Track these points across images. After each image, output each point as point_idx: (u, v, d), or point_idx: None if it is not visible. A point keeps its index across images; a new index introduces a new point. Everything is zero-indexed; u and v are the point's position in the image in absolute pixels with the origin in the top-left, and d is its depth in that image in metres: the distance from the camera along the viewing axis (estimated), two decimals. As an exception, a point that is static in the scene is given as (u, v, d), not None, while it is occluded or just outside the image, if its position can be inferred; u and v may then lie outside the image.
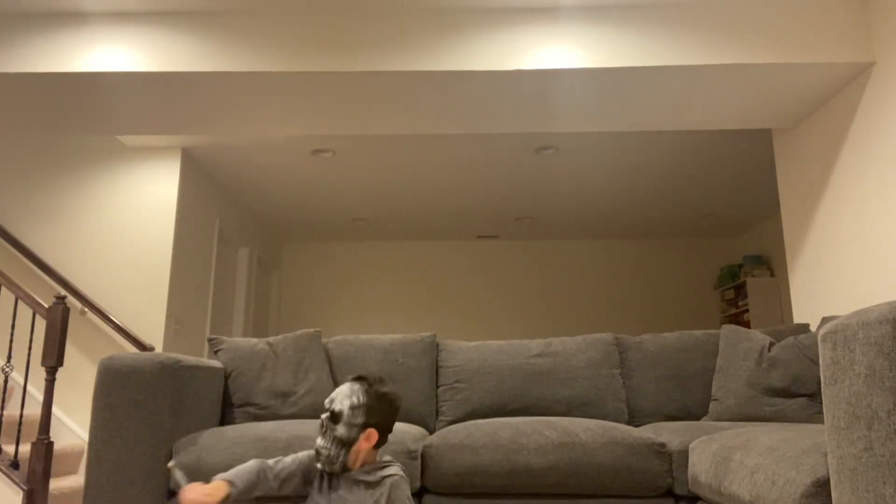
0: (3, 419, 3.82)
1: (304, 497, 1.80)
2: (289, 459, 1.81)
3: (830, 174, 3.70)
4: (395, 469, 1.76)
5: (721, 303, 7.49)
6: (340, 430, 1.72)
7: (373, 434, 1.73)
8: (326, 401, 1.79)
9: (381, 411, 1.75)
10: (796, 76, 3.42)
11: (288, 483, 1.79)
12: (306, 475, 1.81)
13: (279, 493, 1.78)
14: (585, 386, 2.72)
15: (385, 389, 1.79)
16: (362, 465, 1.75)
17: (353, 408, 1.74)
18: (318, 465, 1.76)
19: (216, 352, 2.74)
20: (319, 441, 1.74)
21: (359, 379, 1.80)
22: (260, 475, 1.75)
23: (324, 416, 1.76)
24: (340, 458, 1.72)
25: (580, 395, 2.71)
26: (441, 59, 3.36)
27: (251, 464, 1.76)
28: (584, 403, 2.70)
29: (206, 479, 2.13)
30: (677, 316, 7.64)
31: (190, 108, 3.69)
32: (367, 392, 1.76)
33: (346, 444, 1.72)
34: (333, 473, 1.77)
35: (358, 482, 1.73)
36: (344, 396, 1.76)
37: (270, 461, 1.79)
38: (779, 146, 4.22)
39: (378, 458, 1.80)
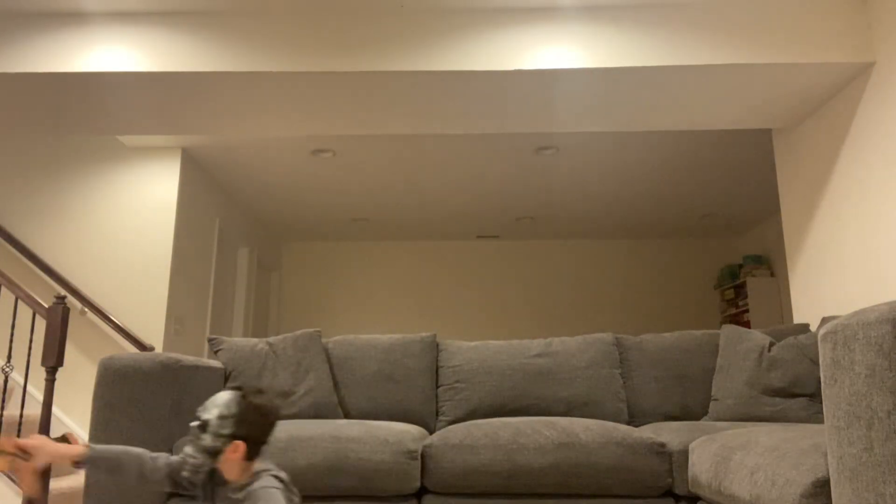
0: (3, 419, 3.81)
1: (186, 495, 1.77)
2: (174, 457, 1.79)
3: (830, 174, 3.70)
4: (262, 482, 1.70)
5: (721, 303, 7.49)
6: (206, 439, 1.68)
7: (240, 446, 1.68)
8: (200, 408, 1.75)
9: (251, 424, 1.70)
10: (796, 76, 3.42)
11: (169, 479, 1.76)
12: (175, 478, 1.78)
13: (161, 489, 1.76)
14: (585, 386, 2.72)
15: (259, 402, 1.74)
16: (237, 479, 1.71)
17: (221, 418, 1.69)
18: (185, 474, 1.72)
19: (216, 352, 2.74)
20: (187, 449, 1.70)
21: (236, 388, 1.76)
22: (131, 458, 1.71)
23: (193, 423, 1.72)
24: (205, 468, 1.69)
25: (580, 395, 2.71)
26: (441, 59, 3.36)
27: (128, 448, 1.74)
28: (584, 403, 2.70)
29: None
30: (677, 316, 7.64)
31: (190, 108, 3.69)
32: (239, 403, 1.71)
33: (211, 454, 1.68)
34: (205, 487, 1.75)
35: (230, 500, 1.71)
36: (214, 406, 1.71)
37: (154, 454, 1.77)
38: (779, 146, 4.22)
39: (256, 470, 1.74)
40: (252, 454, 1.71)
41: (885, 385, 1.11)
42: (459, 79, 3.41)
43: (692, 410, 2.74)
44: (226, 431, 1.68)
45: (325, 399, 2.63)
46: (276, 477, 1.72)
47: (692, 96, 3.61)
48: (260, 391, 1.77)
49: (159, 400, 2.22)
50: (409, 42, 3.38)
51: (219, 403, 1.71)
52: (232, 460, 1.68)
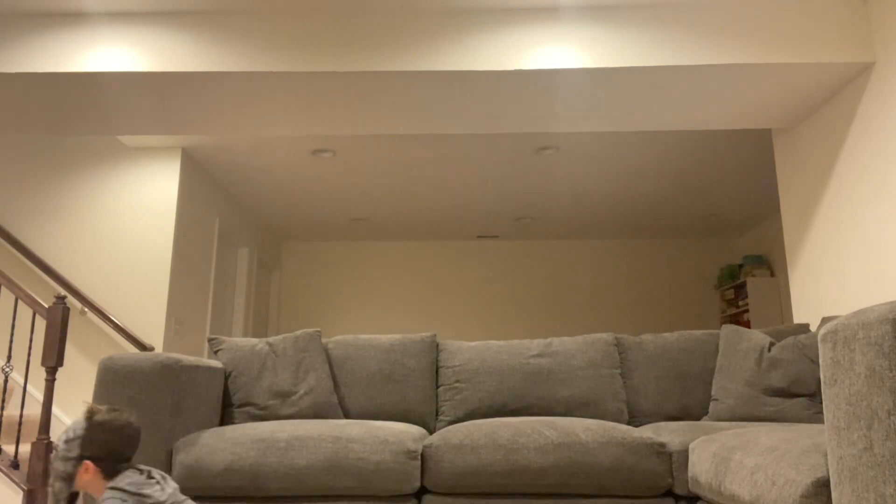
0: (3, 419, 3.81)
1: None
2: None
3: (830, 174, 3.70)
4: (105, 495, 1.71)
5: (721, 303, 7.49)
6: (57, 464, 1.71)
7: (89, 466, 1.70)
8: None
9: (98, 442, 1.72)
10: (796, 76, 3.42)
11: None
12: None
13: None
14: (585, 386, 2.72)
15: (103, 418, 1.75)
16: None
17: (66, 441, 1.72)
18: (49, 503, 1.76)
19: (216, 352, 2.74)
20: (51, 478, 1.74)
21: (87, 411, 1.79)
22: None
23: (52, 453, 1.75)
24: (64, 494, 1.71)
25: (580, 395, 2.71)
26: (441, 59, 3.36)
27: None
28: (584, 403, 2.70)
29: (206, 479, 2.13)
30: (677, 316, 7.64)
31: (190, 108, 3.69)
32: (84, 424, 1.74)
33: (65, 479, 1.70)
34: None
35: None
36: (64, 430, 1.75)
37: None
38: (779, 146, 4.22)
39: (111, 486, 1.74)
40: (109, 472, 1.72)
41: (885, 385, 1.11)
42: (459, 79, 3.41)
43: (692, 410, 2.73)
44: (73, 454, 1.70)
45: (325, 399, 2.63)
46: (122, 489, 1.70)
47: (692, 96, 3.61)
48: (112, 410, 1.78)
49: (159, 400, 2.22)
50: (409, 42, 3.38)
51: (67, 428, 1.74)
52: (86, 481, 1.71)
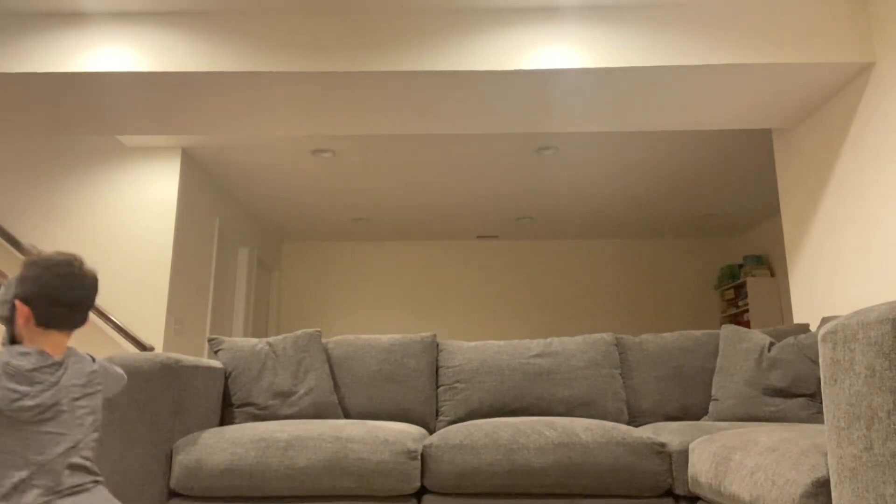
0: (3, 419, 3.81)
1: None
2: None
3: (830, 174, 3.70)
4: None
5: (721, 303, 7.49)
6: None
7: (21, 308, 1.49)
8: None
9: (31, 280, 1.50)
10: (796, 76, 3.42)
11: None
12: None
13: None
14: (585, 386, 2.72)
15: (40, 256, 1.53)
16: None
17: (6, 285, 1.53)
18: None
19: (216, 352, 2.74)
20: None
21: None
22: None
23: None
24: (5, 339, 1.53)
25: (580, 395, 2.71)
26: (441, 59, 3.36)
27: None
28: (584, 403, 2.70)
29: (206, 479, 2.13)
30: (677, 316, 7.64)
31: (190, 108, 3.69)
32: (22, 265, 1.54)
33: (4, 322, 1.54)
34: None
35: None
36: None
37: None
38: (779, 146, 4.22)
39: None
40: (42, 318, 1.51)
41: (885, 385, 1.11)
42: (459, 79, 3.41)
43: (692, 410, 2.73)
44: (10, 296, 1.51)
45: (325, 399, 2.63)
46: (23, 354, 1.46)
47: (692, 96, 3.61)
48: (65, 255, 1.57)
49: (159, 400, 2.22)
50: (409, 42, 3.38)
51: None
52: (20, 327, 1.51)
